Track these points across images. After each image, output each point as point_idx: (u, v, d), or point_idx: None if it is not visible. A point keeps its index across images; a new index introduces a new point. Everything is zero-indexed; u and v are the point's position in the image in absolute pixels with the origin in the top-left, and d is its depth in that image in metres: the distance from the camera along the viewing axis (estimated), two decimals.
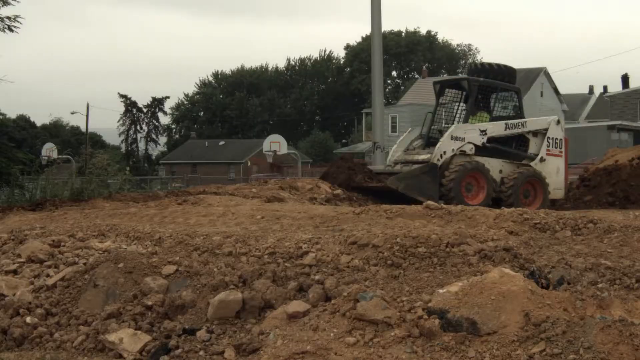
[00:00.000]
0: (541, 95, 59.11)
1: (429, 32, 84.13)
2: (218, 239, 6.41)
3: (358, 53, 79.53)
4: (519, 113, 15.26)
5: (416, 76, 79.09)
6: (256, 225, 7.33)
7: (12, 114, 72.28)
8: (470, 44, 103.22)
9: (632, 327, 3.95)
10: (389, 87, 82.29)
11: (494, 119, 14.88)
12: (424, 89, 68.60)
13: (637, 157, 15.68)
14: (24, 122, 75.22)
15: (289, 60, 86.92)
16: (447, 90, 15.57)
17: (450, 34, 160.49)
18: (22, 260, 6.30)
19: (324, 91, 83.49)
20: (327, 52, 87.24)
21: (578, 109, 68.10)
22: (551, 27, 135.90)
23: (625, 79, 53.01)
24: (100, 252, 6.28)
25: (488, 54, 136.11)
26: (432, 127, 15.24)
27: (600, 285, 4.94)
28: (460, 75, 56.21)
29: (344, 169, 14.38)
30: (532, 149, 14.96)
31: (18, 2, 16.63)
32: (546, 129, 15.11)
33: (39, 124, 78.63)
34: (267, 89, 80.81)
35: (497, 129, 14.50)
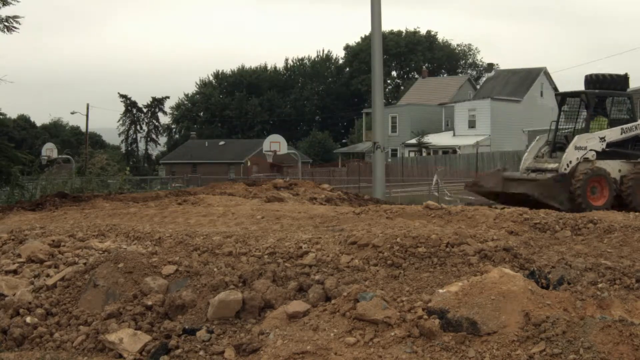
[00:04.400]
0: (541, 95, 59.10)
1: (429, 32, 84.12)
2: (218, 239, 6.41)
3: (357, 53, 79.52)
4: (631, 116, 16.89)
5: (416, 76, 79.09)
6: (256, 225, 7.33)
7: (13, 114, 72.24)
8: (470, 44, 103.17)
9: (632, 327, 3.95)
10: (389, 87, 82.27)
11: (612, 122, 16.52)
12: (424, 89, 68.66)
13: None
14: (24, 122, 75.25)
15: (287, 60, 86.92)
16: (567, 99, 17.32)
17: (450, 34, 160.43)
18: (22, 260, 6.30)
19: (324, 91, 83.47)
20: (325, 52, 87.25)
21: None
22: (552, 26, 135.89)
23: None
24: (100, 252, 6.28)
25: (488, 54, 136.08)
26: (557, 133, 16.87)
27: (600, 285, 4.94)
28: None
29: (491, 178, 16.89)
30: None
31: (18, 1, 16.61)
32: None
33: (39, 124, 78.67)
34: (267, 89, 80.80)
35: (614, 134, 16.12)
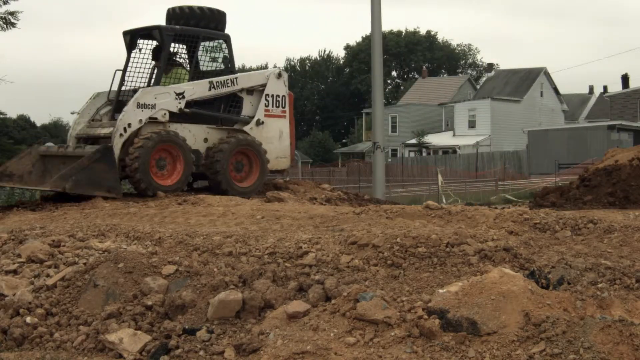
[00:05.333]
0: (541, 95, 59.17)
1: (428, 32, 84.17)
2: (218, 239, 6.41)
3: (357, 53, 79.56)
4: (229, 66, 12.75)
5: (416, 76, 79.13)
6: (256, 225, 7.34)
7: (12, 114, 72.32)
8: (470, 44, 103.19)
9: (632, 327, 3.95)
10: (389, 87, 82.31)
11: (198, 72, 12.48)
12: (424, 89, 68.72)
13: (637, 157, 15.64)
14: (24, 122, 75.28)
15: (287, 60, 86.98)
16: (139, 41, 12.43)
17: (451, 34, 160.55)
18: (22, 260, 6.30)
19: (324, 91, 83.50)
20: (326, 52, 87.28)
21: (578, 109, 68.18)
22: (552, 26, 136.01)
23: (625, 79, 53.10)
24: (100, 252, 6.28)
25: (488, 54, 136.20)
26: (123, 88, 12.30)
27: (600, 285, 4.95)
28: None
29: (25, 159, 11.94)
30: (246, 111, 12.59)
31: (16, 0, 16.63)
32: (264, 85, 12.66)
33: (39, 124, 78.70)
34: None
35: (199, 89, 11.97)
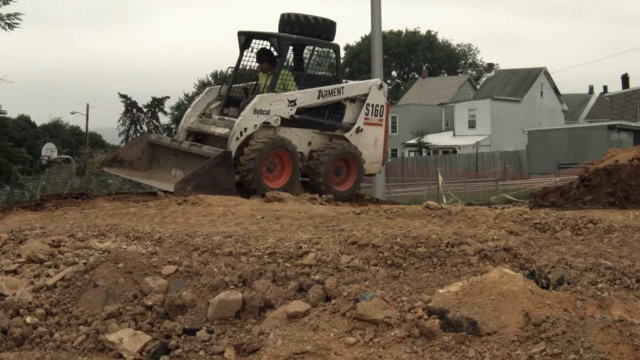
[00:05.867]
0: (541, 95, 59.17)
1: (429, 32, 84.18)
2: (218, 239, 6.41)
3: (357, 53, 79.56)
4: (334, 75, 13.18)
5: (416, 76, 79.13)
6: (256, 225, 7.33)
7: (13, 114, 72.33)
8: (470, 44, 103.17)
9: (632, 327, 3.95)
10: (389, 87, 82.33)
11: (308, 79, 12.72)
12: (424, 89, 68.72)
13: (637, 157, 15.55)
14: (24, 122, 75.29)
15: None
16: (253, 41, 12.78)
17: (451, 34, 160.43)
18: (22, 260, 6.29)
19: None
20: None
21: (578, 109, 68.19)
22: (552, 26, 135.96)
23: (625, 79, 53.13)
24: (100, 252, 6.28)
25: (488, 54, 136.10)
26: (234, 85, 12.80)
27: (600, 285, 4.94)
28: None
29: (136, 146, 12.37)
30: (347, 118, 13.04)
31: (15, 1, 16.68)
32: (366, 95, 13.15)
33: (39, 124, 78.72)
34: None
35: (308, 98, 12.32)
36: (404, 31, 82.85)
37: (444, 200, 25.45)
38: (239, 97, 12.66)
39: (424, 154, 54.44)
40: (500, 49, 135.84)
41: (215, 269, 5.59)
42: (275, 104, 11.89)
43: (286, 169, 11.98)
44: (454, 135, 56.03)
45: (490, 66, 70.60)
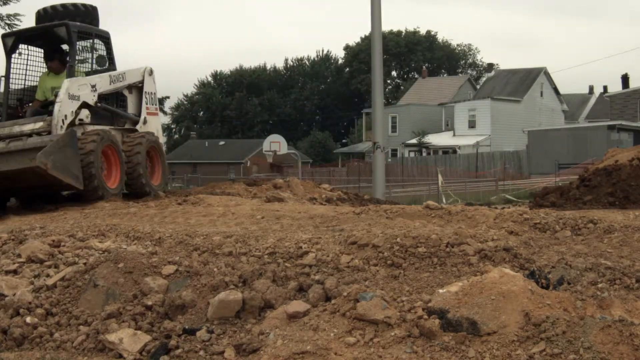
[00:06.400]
0: (541, 95, 59.17)
1: (428, 32, 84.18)
2: (218, 239, 6.41)
3: (357, 53, 79.55)
4: (110, 65, 11.99)
5: (416, 76, 79.12)
6: (256, 225, 7.33)
7: None
8: (470, 44, 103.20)
9: (632, 327, 3.95)
10: (389, 87, 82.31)
11: (90, 72, 11.64)
12: (424, 89, 68.71)
13: (637, 157, 15.52)
14: None
15: (286, 60, 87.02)
16: (22, 46, 11.60)
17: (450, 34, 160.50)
18: (22, 260, 6.30)
19: (324, 91, 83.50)
20: (324, 52, 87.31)
21: (578, 109, 68.19)
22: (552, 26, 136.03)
23: (625, 79, 53.13)
24: (100, 252, 6.28)
25: (488, 54, 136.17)
26: (10, 94, 11.49)
27: (600, 285, 4.95)
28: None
29: None
30: (130, 109, 12.15)
31: (17, 1, 16.69)
32: (142, 82, 12.27)
33: None
34: (267, 89, 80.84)
35: (104, 82, 11.27)
36: (404, 31, 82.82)
37: (444, 200, 25.45)
38: (15, 105, 11.40)
39: (424, 154, 54.45)
40: (500, 49, 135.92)
41: (215, 269, 5.59)
42: (82, 89, 10.72)
43: (114, 167, 10.89)
44: (454, 135, 56.02)
45: (490, 66, 70.57)
